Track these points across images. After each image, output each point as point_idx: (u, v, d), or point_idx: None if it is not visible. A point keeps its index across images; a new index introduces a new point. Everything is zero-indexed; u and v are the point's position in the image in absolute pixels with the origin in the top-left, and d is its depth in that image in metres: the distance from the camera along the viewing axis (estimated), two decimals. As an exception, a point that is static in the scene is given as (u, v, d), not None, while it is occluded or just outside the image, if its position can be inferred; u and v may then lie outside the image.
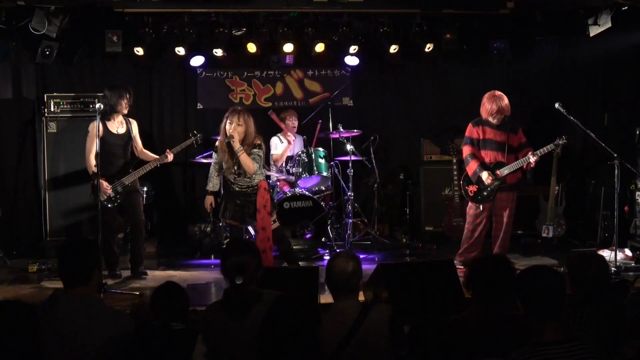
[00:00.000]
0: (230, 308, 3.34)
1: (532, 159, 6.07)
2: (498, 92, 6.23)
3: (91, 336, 3.10)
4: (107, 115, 6.29)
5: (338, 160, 7.89)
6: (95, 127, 6.07)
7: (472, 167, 6.27)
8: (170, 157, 6.39)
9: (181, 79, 8.33)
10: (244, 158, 5.85)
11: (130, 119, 6.52)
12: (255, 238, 6.00)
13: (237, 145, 5.83)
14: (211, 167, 6.20)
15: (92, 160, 6.00)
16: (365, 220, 7.92)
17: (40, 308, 3.15)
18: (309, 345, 2.64)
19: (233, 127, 5.84)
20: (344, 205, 7.73)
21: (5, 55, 7.40)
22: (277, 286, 3.56)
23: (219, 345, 3.37)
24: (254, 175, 5.98)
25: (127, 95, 6.38)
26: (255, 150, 5.92)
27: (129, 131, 6.44)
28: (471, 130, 6.33)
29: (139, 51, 7.49)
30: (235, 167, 5.95)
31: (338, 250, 7.09)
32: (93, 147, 6.00)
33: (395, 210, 8.55)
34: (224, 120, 5.94)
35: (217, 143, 6.11)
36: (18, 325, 2.67)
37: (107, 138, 6.24)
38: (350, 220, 7.48)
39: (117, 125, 6.37)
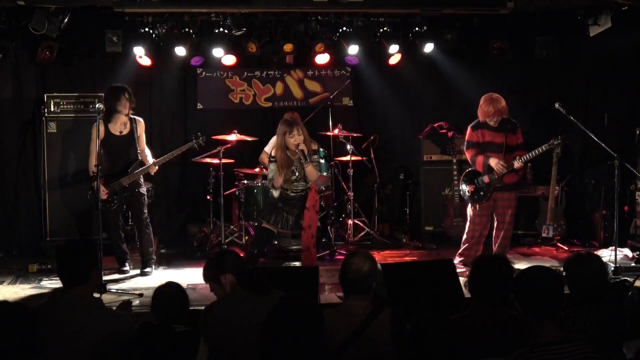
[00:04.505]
0: (256, 284, 3.49)
1: (516, 165, 6.09)
2: (495, 95, 6.22)
3: (90, 336, 3.10)
4: (109, 116, 6.35)
5: (338, 160, 7.89)
6: (95, 129, 6.15)
7: (479, 161, 6.25)
8: (153, 169, 6.47)
9: (181, 79, 8.32)
10: (310, 169, 6.01)
11: (138, 118, 6.58)
12: (302, 236, 6.08)
13: (307, 158, 5.97)
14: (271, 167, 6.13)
15: (92, 162, 6.10)
16: (365, 220, 7.91)
17: (39, 308, 3.15)
18: (310, 345, 2.64)
19: (295, 139, 5.91)
20: (344, 205, 7.73)
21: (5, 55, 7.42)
22: (277, 286, 3.56)
23: (221, 344, 3.37)
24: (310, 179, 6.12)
25: (126, 95, 6.40)
26: (315, 157, 6.14)
27: (132, 132, 6.46)
28: (471, 135, 6.32)
29: (139, 51, 7.49)
30: (296, 175, 6.05)
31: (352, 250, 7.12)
32: (93, 150, 6.10)
33: (395, 210, 8.54)
34: (281, 135, 5.95)
35: (272, 153, 6.10)
36: (18, 326, 2.67)
37: (108, 140, 6.34)
38: (350, 221, 7.47)
39: (119, 127, 6.42)
